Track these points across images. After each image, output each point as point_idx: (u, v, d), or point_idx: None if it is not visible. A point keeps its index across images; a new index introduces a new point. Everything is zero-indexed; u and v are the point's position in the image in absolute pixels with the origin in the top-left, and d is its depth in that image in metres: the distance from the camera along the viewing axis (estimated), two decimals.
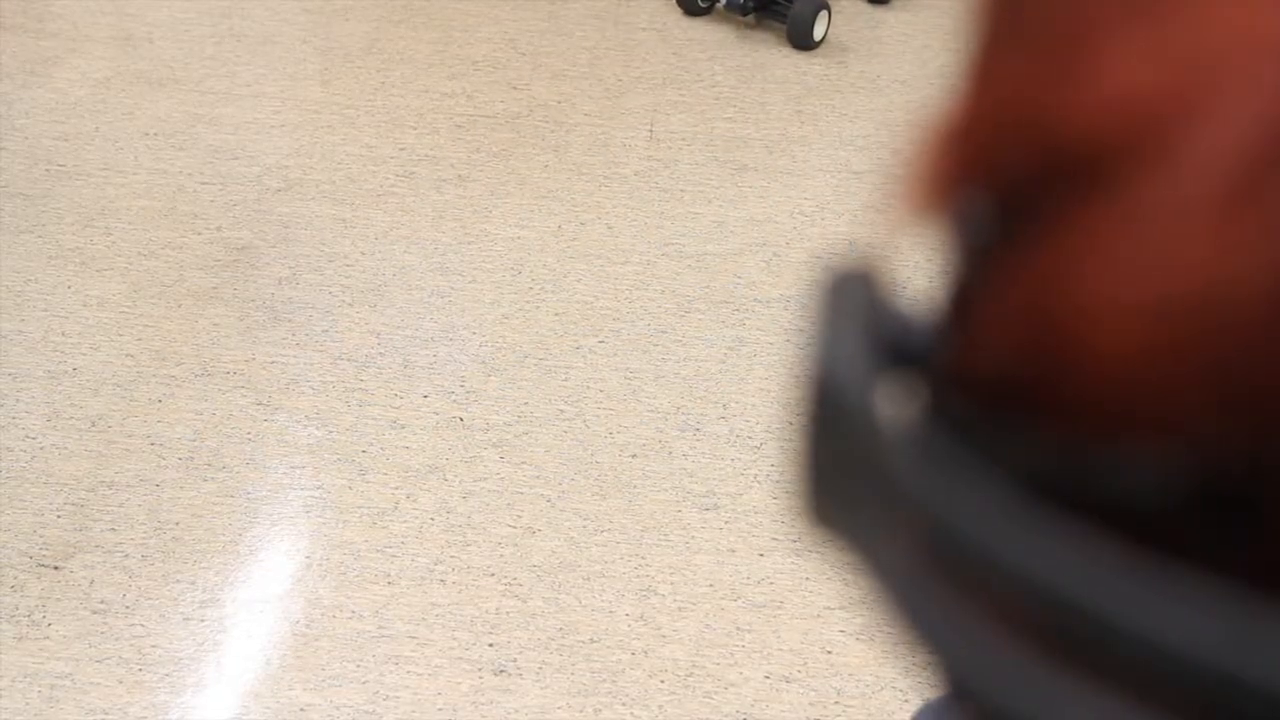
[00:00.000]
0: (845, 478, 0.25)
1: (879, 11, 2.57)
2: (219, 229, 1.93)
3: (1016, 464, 0.21)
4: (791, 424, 0.24)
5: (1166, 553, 0.20)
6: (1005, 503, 0.21)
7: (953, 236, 0.24)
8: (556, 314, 1.85)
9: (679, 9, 2.47)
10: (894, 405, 0.24)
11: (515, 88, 2.24)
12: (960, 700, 0.24)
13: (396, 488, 1.61)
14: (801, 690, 1.46)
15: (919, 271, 1.85)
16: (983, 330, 0.23)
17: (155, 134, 2.08)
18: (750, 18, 2.46)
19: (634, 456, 1.67)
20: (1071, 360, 0.21)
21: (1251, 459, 0.19)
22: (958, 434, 0.23)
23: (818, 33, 2.40)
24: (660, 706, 1.44)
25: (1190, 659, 0.18)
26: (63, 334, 1.74)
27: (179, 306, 1.80)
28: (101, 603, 1.48)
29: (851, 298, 0.27)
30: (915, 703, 1.43)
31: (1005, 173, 0.22)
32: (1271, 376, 0.19)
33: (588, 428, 1.71)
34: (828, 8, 2.42)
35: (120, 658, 1.44)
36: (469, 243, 1.95)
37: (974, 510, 0.21)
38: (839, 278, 0.27)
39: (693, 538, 1.60)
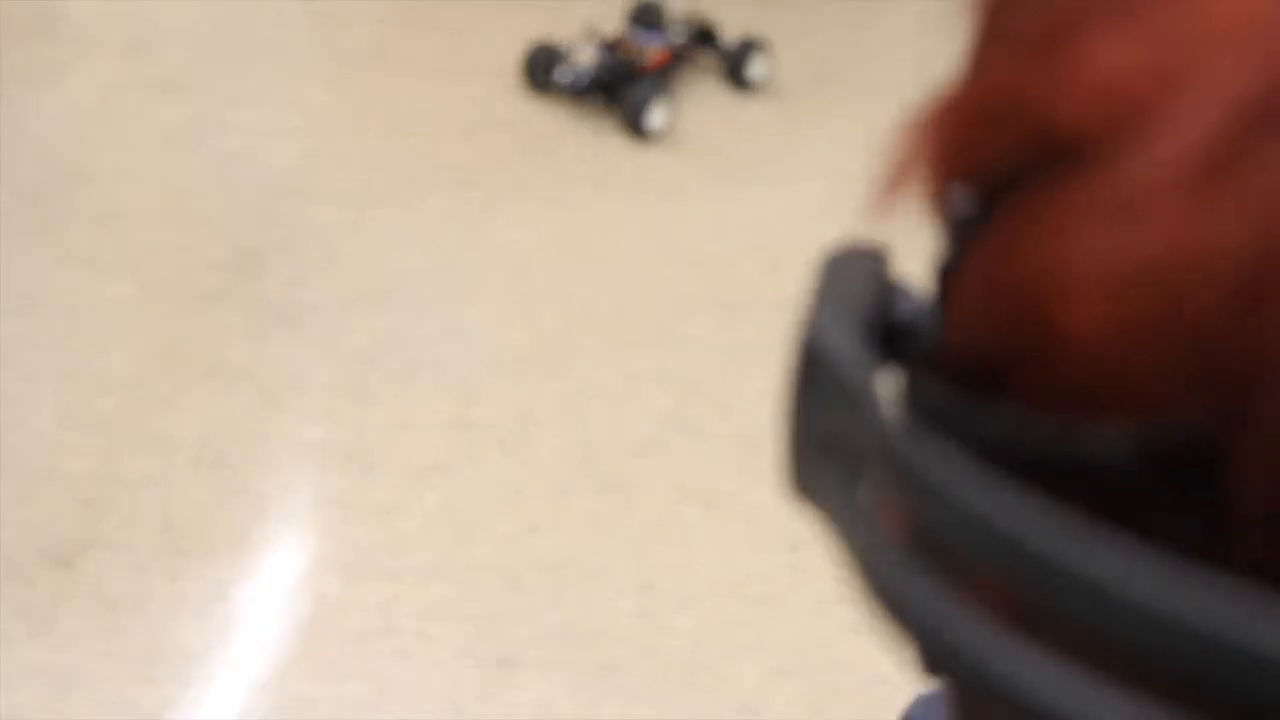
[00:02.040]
0: (825, 445, 0.25)
1: (743, 100, 2.32)
2: (227, 232, 1.95)
3: (990, 440, 0.22)
4: (781, 393, 0.25)
5: (1128, 524, 0.20)
6: (978, 475, 0.21)
7: (938, 221, 0.25)
8: (558, 315, 1.87)
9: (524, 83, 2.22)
10: (879, 377, 0.24)
11: (518, 92, 2.26)
12: (932, 674, 0.25)
13: (401, 486, 1.63)
14: (799, 684, 1.48)
15: (911, 258, 1.87)
16: (963, 308, 0.24)
17: (164, 138, 2.10)
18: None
19: (635, 455, 1.70)
20: (1046, 335, 0.21)
21: (1216, 430, 0.19)
22: (936, 411, 0.23)
23: (654, 121, 2.17)
24: (660, 700, 1.46)
25: (1138, 614, 0.18)
26: (73, 335, 1.77)
27: (187, 308, 1.83)
28: (112, 599, 1.50)
29: (847, 271, 0.27)
30: (909, 695, 1.45)
31: (989, 156, 0.23)
32: (1239, 348, 0.19)
33: (589, 427, 1.73)
34: (666, 91, 2.18)
35: (130, 653, 1.46)
36: (473, 245, 1.97)
37: (949, 482, 0.21)
38: (838, 254, 0.28)
39: (692, 535, 1.62)
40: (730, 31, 2.44)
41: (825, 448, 0.25)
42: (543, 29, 2.39)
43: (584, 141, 2.17)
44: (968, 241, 0.24)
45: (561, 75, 2.19)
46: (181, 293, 1.85)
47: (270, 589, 1.53)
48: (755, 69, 2.29)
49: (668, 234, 2.02)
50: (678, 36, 2.28)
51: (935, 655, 0.21)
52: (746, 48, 2.28)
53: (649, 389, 1.78)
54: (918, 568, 0.22)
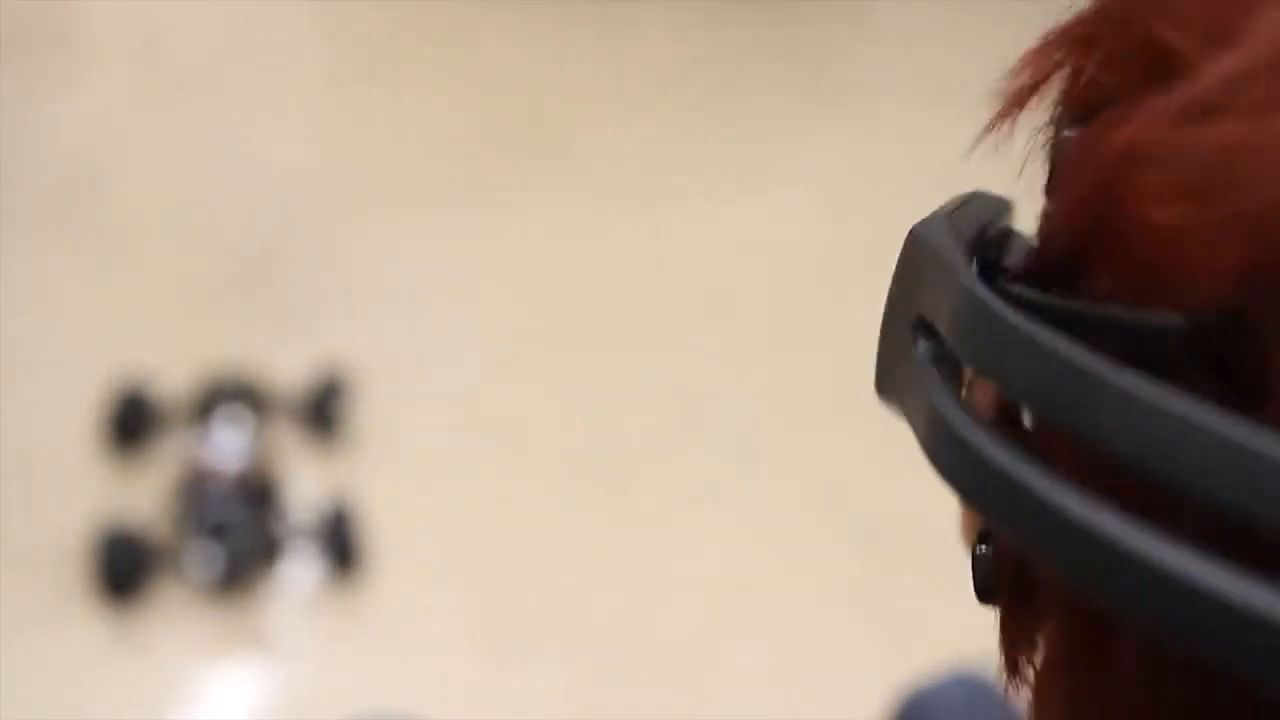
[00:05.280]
0: (918, 326, 0.27)
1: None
2: (236, 236, 1.97)
3: (1069, 319, 0.23)
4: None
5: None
6: (1056, 335, 0.22)
7: (1045, 143, 0.27)
8: (560, 318, 1.89)
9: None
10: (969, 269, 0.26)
11: (522, 98, 2.28)
12: (993, 586, 0.27)
13: (402, 484, 1.66)
14: (797, 679, 1.50)
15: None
16: (1054, 204, 0.26)
17: (175, 143, 2.12)
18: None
19: (633, 453, 1.72)
20: (1125, 216, 0.23)
21: (1261, 311, 0.21)
22: (1024, 301, 0.25)
23: None
24: (656, 694, 1.48)
25: (1204, 455, 0.20)
26: (82, 340, 1.79)
27: (195, 312, 1.85)
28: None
29: (970, 203, 0.30)
30: (905, 689, 1.47)
31: (1095, 73, 0.26)
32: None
33: (589, 426, 1.75)
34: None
35: (140, 645, 1.48)
36: (475, 251, 1.99)
37: (1032, 339, 0.22)
38: (972, 192, 0.31)
39: (690, 533, 1.64)
40: None
41: (918, 328, 0.27)
42: (545, 33, 2.41)
43: (586, 147, 2.19)
44: (1067, 149, 0.26)
45: None
46: (189, 297, 1.87)
47: (269, 587, 1.55)
48: None
49: (668, 237, 2.04)
50: None
51: (1020, 520, 0.22)
52: None
53: (648, 390, 1.80)
54: (1002, 435, 0.23)
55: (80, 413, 1.66)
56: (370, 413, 1.72)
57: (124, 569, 1.49)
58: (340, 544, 1.53)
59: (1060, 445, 0.23)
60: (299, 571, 1.55)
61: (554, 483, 1.68)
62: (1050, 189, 0.27)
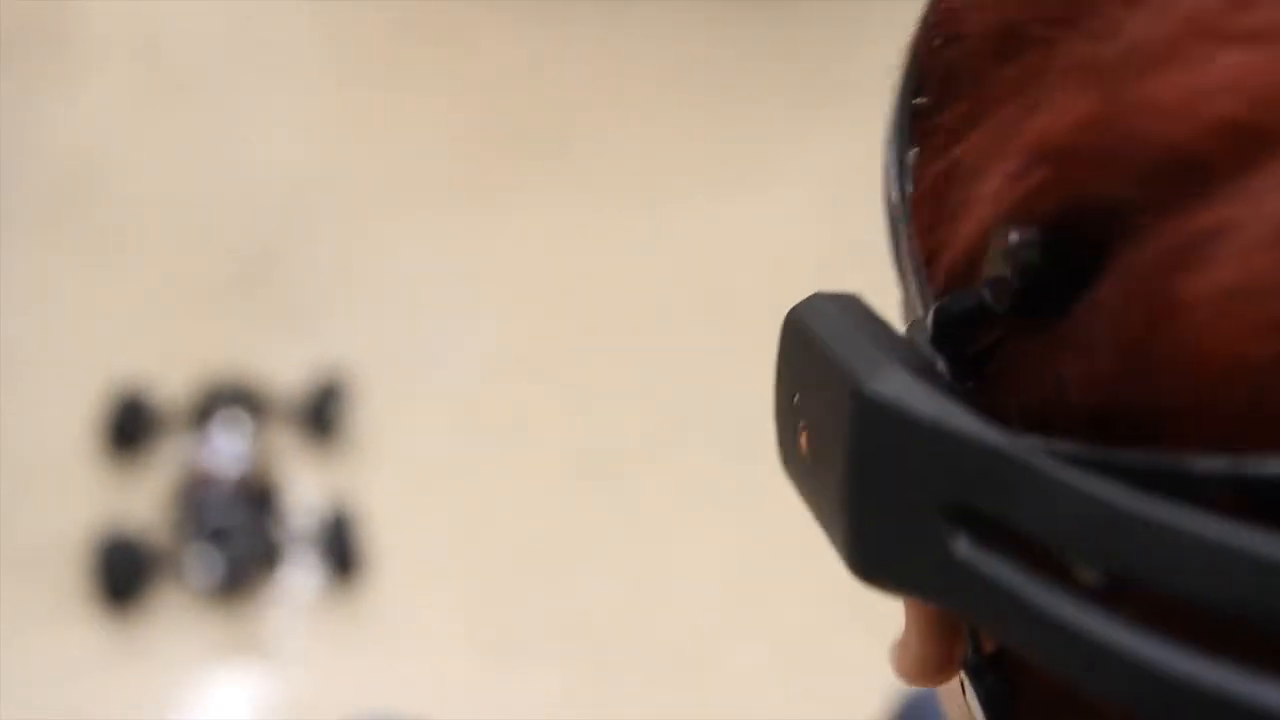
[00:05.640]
0: (914, 506, 0.23)
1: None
2: (236, 235, 1.97)
3: (1145, 480, 0.21)
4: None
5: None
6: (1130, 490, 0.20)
7: (1006, 268, 0.23)
8: (559, 318, 1.90)
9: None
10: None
11: (522, 98, 2.28)
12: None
13: (402, 483, 1.66)
14: (797, 679, 1.51)
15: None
16: (1094, 354, 0.22)
17: (175, 143, 2.12)
18: None
19: (633, 453, 1.72)
20: (1217, 369, 0.20)
21: None
22: (1067, 457, 0.22)
23: None
24: (656, 694, 1.48)
25: None
26: (82, 340, 1.79)
27: (195, 312, 1.85)
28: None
29: (847, 324, 0.26)
30: (904, 689, 1.47)
31: (1099, 190, 0.22)
32: None
33: (589, 426, 1.75)
34: None
35: (140, 651, 1.49)
36: (475, 251, 2.00)
37: (1099, 496, 0.20)
38: (819, 313, 0.27)
39: (690, 531, 1.64)
40: None
41: (953, 517, 0.23)
42: (546, 33, 2.41)
43: (586, 147, 2.19)
44: (1076, 282, 0.23)
45: None
46: (191, 296, 1.87)
47: (269, 592, 1.55)
48: None
49: (668, 237, 2.04)
50: None
51: (1147, 693, 0.20)
52: None
53: (648, 390, 1.80)
54: (1088, 599, 0.21)
55: (80, 413, 1.66)
56: (370, 412, 1.72)
57: (124, 575, 1.49)
58: (340, 549, 1.53)
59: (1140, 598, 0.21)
60: (299, 576, 1.55)
61: (554, 483, 1.68)
62: (1054, 318, 0.23)
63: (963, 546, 0.23)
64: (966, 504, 0.23)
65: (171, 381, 1.69)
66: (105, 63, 2.30)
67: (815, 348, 0.26)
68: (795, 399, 0.28)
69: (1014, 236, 0.23)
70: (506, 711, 1.46)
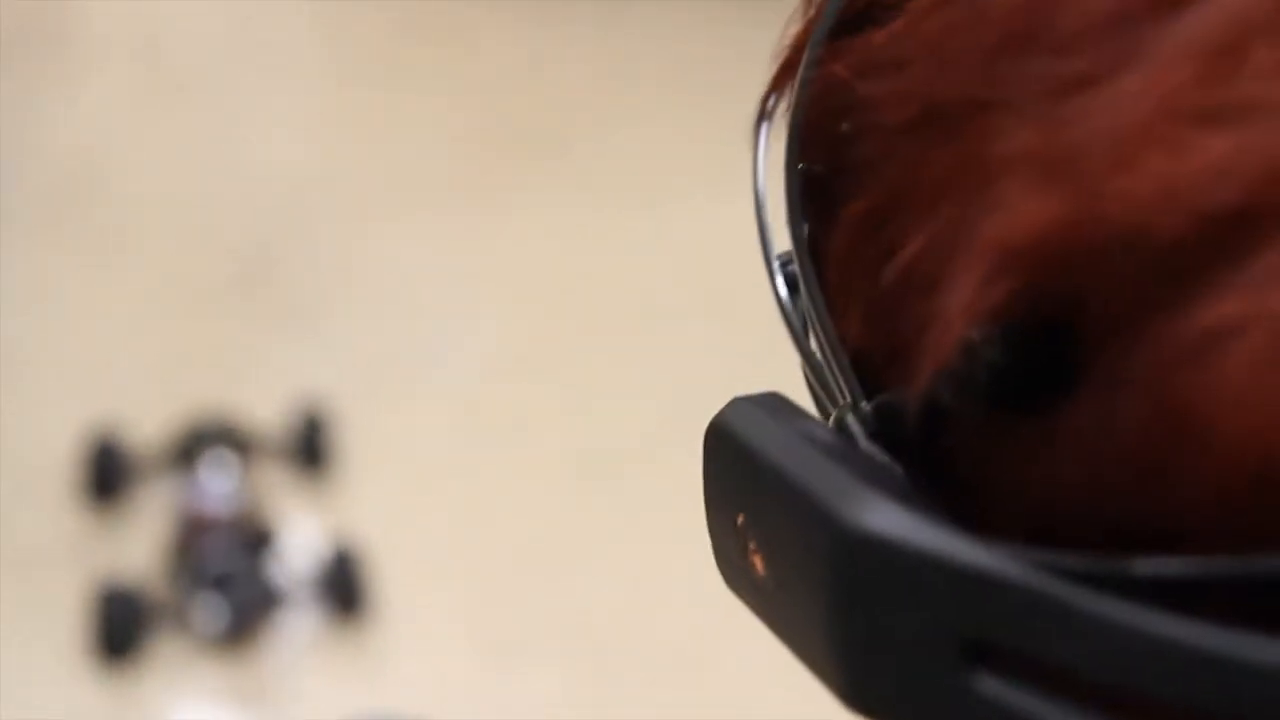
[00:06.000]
0: (912, 643, 0.21)
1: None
2: (236, 235, 1.97)
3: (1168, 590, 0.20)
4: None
5: None
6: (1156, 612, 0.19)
7: (1004, 356, 0.22)
8: (559, 318, 1.90)
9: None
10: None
11: (522, 98, 2.28)
12: None
13: (402, 483, 1.66)
14: (797, 679, 1.50)
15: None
16: (1094, 464, 0.21)
17: (175, 143, 2.12)
18: None
19: (633, 453, 1.72)
20: (1195, 465, 0.19)
21: None
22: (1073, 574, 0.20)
23: None
24: (656, 694, 1.48)
25: None
26: (82, 341, 1.79)
27: (195, 312, 1.85)
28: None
29: (783, 442, 0.24)
30: None
31: (1070, 292, 0.21)
32: None
33: (588, 426, 1.75)
34: None
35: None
36: (475, 251, 2.00)
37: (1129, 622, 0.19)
38: (747, 431, 0.25)
39: (691, 532, 1.64)
40: None
41: (969, 654, 0.21)
42: (547, 34, 2.41)
43: (586, 147, 2.19)
44: (1055, 382, 0.21)
45: None
46: (190, 296, 1.87)
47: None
48: None
49: (668, 237, 2.04)
50: None
51: None
52: None
53: (648, 390, 1.80)
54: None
55: (80, 414, 1.66)
56: (369, 412, 1.72)
57: (123, 629, 1.44)
58: (344, 588, 1.50)
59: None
60: (301, 617, 1.52)
61: (554, 483, 1.68)
62: (1037, 424, 0.22)
63: (985, 683, 0.21)
64: (984, 639, 0.21)
65: (149, 424, 1.65)
66: (105, 63, 2.30)
67: (762, 468, 0.24)
68: (740, 521, 0.25)
69: (983, 333, 0.21)
70: (506, 711, 1.46)
